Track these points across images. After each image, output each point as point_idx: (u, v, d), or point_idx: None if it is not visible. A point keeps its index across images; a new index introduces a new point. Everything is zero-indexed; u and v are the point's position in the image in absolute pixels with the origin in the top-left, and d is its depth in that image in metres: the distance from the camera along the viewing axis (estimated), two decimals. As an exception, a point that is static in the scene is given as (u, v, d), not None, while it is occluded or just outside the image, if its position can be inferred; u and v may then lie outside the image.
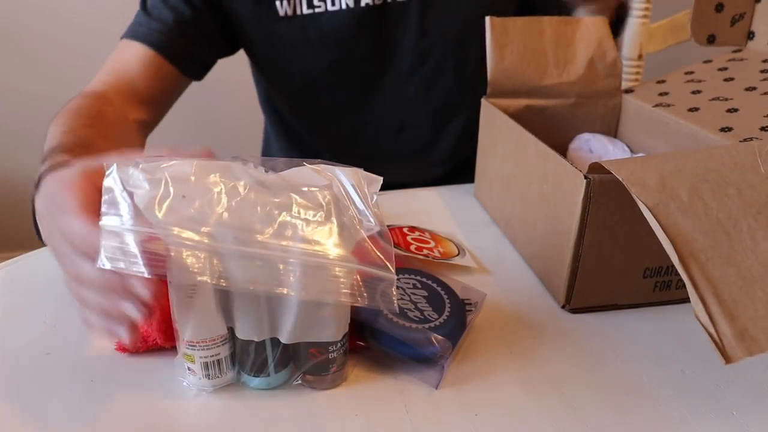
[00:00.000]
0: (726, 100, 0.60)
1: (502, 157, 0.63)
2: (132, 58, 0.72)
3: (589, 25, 0.67)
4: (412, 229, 0.61)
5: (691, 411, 0.41)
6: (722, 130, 0.55)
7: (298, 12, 0.74)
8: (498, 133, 0.64)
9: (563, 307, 0.52)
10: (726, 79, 0.65)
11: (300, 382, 0.42)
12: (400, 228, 0.61)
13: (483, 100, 0.67)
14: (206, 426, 0.39)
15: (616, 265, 0.50)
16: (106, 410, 0.40)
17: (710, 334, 0.36)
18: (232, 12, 0.75)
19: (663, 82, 0.69)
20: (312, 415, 0.40)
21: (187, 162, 0.37)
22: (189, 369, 0.41)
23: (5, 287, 0.54)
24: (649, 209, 0.39)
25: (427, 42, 0.78)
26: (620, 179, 0.41)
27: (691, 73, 0.69)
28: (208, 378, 0.41)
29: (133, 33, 0.73)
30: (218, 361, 0.40)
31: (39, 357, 0.45)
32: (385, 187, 0.42)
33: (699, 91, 0.64)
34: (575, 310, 0.51)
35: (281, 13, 0.74)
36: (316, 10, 0.74)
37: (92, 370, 0.44)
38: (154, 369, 0.44)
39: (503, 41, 0.65)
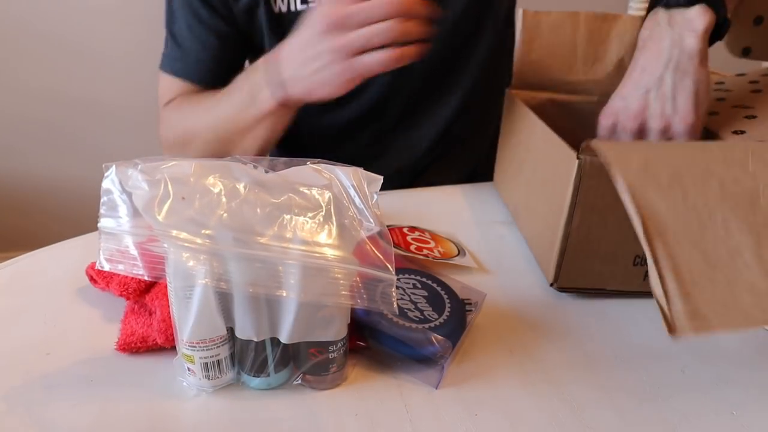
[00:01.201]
0: (747, 107, 0.61)
1: (515, 144, 0.65)
2: (178, 90, 0.79)
3: (627, 23, 0.66)
4: (412, 229, 0.61)
5: (691, 411, 0.41)
6: (735, 132, 0.56)
7: (292, 8, 0.74)
8: (515, 122, 0.65)
9: (551, 285, 0.53)
10: (753, 91, 0.65)
11: (300, 382, 0.42)
12: (400, 228, 0.61)
13: (507, 91, 0.68)
14: (206, 426, 0.39)
15: (605, 249, 0.50)
16: (106, 410, 0.40)
17: (661, 307, 0.36)
18: (245, 26, 0.77)
19: None
20: (312, 415, 0.40)
21: (186, 162, 0.37)
22: (189, 369, 0.41)
23: (5, 287, 0.54)
24: (625, 187, 0.39)
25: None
26: (602, 157, 0.41)
27: (722, 83, 0.69)
28: (208, 378, 0.41)
29: (172, 67, 0.79)
30: (218, 361, 0.40)
31: (39, 357, 0.45)
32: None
33: (723, 99, 0.64)
34: (563, 289, 0.53)
35: (275, 10, 0.74)
36: (310, 4, 0.73)
37: (92, 370, 0.44)
38: (154, 369, 0.44)
39: (533, 35, 0.65)
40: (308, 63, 0.58)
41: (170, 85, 0.80)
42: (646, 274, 0.51)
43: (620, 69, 0.66)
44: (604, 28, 0.66)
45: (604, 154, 0.42)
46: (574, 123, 0.68)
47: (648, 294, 0.51)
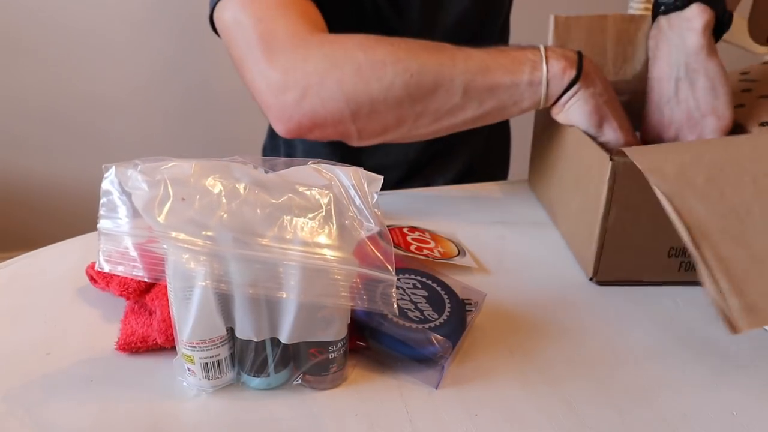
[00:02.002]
0: None
1: (548, 145, 0.67)
2: (309, 19, 0.63)
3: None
4: (412, 229, 0.61)
5: (691, 411, 0.41)
6: (762, 124, 0.58)
7: None
8: (547, 124, 0.67)
9: (591, 279, 0.56)
10: None
11: (300, 382, 0.42)
12: (400, 228, 0.61)
13: None
14: (206, 426, 0.39)
15: (640, 243, 0.53)
16: (106, 410, 0.40)
17: (720, 308, 0.38)
18: None
19: None
20: (312, 415, 0.40)
21: (186, 163, 0.37)
22: (189, 370, 0.41)
23: (5, 287, 0.54)
24: (665, 196, 0.41)
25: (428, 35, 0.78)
26: (639, 167, 0.43)
27: (746, 73, 0.70)
28: (208, 379, 0.41)
29: None
30: (218, 362, 0.40)
31: (39, 357, 0.45)
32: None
33: (749, 90, 0.65)
34: (602, 283, 0.55)
35: None
36: None
37: (92, 370, 0.44)
38: (154, 369, 0.44)
39: (564, 39, 0.68)
40: (608, 107, 0.60)
41: (288, 11, 0.62)
42: (681, 265, 0.54)
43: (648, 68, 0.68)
44: (631, 29, 0.69)
45: (640, 163, 0.44)
46: None
47: (681, 283, 0.54)
